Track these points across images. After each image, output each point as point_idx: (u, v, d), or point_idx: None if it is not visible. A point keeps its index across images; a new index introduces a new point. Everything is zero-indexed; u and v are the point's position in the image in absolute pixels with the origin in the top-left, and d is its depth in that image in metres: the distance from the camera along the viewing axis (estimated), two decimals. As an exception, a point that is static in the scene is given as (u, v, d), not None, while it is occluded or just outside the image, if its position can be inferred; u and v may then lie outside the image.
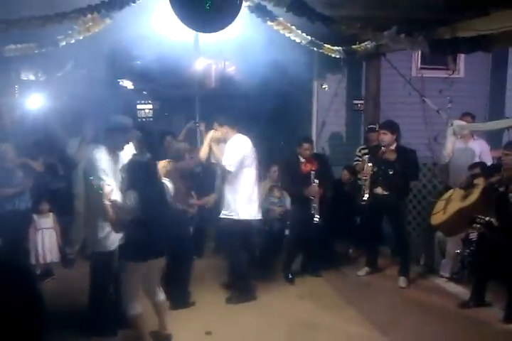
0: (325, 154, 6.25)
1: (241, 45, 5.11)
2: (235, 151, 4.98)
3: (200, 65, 8.14)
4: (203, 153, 5.10)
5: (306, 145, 5.60)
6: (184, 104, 7.16)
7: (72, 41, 3.85)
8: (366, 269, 5.94)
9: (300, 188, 5.51)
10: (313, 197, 5.46)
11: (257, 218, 5.10)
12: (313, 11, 3.74)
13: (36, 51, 3.99)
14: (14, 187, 5.40)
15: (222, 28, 3.55)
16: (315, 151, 6.03)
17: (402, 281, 5.56)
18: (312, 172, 5.50)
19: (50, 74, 6.56)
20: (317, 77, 7.28)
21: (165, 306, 4.18)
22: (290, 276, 5.73)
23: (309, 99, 7.31)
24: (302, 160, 5.61)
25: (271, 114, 7.38)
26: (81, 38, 3.84)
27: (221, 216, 5.03)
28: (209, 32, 3.72)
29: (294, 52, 5.52)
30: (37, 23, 3.27)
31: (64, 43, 3.85)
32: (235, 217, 4.94)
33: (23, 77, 6.82)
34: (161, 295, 4.10)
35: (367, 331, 4.46)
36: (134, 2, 3.44)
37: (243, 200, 4.97)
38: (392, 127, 5.50)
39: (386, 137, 5.46)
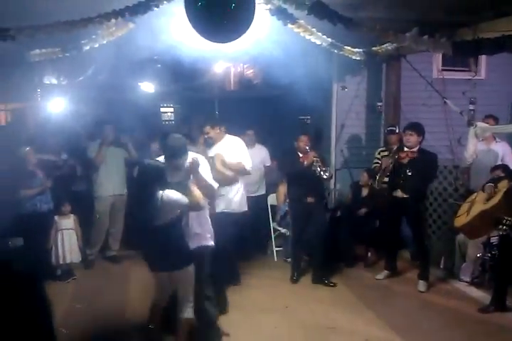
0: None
1: (261, 48, 5.13)
2: (247, 153, 5.14)
3: (219, 68, 8.19)
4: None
5: (302, 138, 5.65)
6: (204, 107, 7.23)
7: (96, 45, 3.91)
8: (385, 273, 5.89)
9: (299, 180, 5.59)
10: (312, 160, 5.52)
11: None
12: (334, 13, 3.73)
13: (61, 56, 4.06)
14: (35, 188, 5.51)
15: (236, 38, 3.57)
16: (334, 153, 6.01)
17: (421, 285, 5.50)
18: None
19: (72, 78, 6.66)
20: (337, 79, 7.26)
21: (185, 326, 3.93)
22: (295, 277, 5.74)
23: (329, 102, 7.30)
24: (300, 155, 5.66)
25: (290, 116, 7.40)
26: (105, 42, 3.89)
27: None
28: (223, 42, 3.73)
29: (314, 54, 5.53)
30: (63, 28, 3.32)
31: (88, 48, 3.92)
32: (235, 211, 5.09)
33: (46, 80, 6.94)
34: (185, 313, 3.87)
35: (386, 335, 4.42)
36: (158, 7, 3.48)
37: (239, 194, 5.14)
38: (418, 129, 5.48)
39: (412, 138, 5.43)
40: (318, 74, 6.38)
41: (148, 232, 3.63)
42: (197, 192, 3.74)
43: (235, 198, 5.10)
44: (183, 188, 3.72)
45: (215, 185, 4.10)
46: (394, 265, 5.94)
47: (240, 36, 3.54)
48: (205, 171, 3.99)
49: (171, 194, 3.63)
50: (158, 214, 3.56)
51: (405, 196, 5.47)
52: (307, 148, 5.61)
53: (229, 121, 6.07)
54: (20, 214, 5.44)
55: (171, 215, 3.64)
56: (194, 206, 3.76)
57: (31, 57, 4.15)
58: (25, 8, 3.91)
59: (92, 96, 6.96)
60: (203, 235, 4.04)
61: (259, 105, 7.40)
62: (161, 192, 3.59)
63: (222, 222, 4.56)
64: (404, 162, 5.41)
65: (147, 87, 7.52)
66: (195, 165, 3.81)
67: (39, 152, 5.62)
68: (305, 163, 5.56)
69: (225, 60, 7.44)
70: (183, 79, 6.78)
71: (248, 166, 5.07)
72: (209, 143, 5.09)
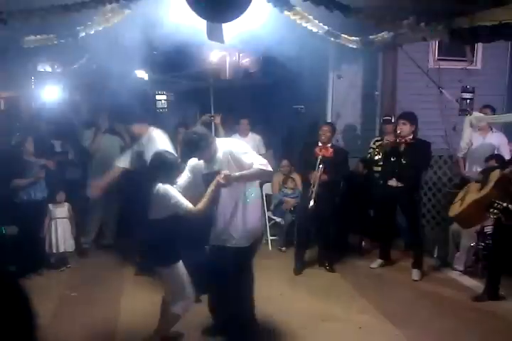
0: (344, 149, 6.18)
1: (256, 36, 5.08)
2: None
3: (214, 57, 8.14)
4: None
5: (324, 128, 5.64)
6: (199, 95, 7.18)
7: (92, 32, 3.87)
8: (379, 261, 5.92)
9: (307, 172, 5.55)
10: (312, 182, 5.44)
11: None
12: (331, 0, 3.70)
13: (56, 42, 4.01)
14: (29, 177, 5.48)
15: (234, 17, 3.52)
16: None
17: (415, 274, 5.54)
18: (319, 156, 5.47)
19: (67, 66, 6.59)
20: (333, 68, 7.22)
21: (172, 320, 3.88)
22: (297, 267, 5.74)
23: (324, 90, 7.27)
24: (320, 144, 5.62)
25: (285, 105, 7.37)
26: (100, 28, 3.85)
27: None
28: (221, 22, 3.68)
29: (310, 42, 5.50)
30: (57, 12, 3.28)
31: (83, 34, 3.87)
32: None
33: (40, 68, 6.86)
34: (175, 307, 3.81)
35: (380, 323, 4.45)
36: (153, -8, 3.44)
37: None
38: (411, 118, 5.48)
39: (405, 127, 5.43)
40: (314, 62, 6.35)
41: (141, 225, 3.58)
42: (205, 202, 3.52)
43: None
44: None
45: (262, 166, 3.66)
46: (388, 254, 5.96)
47: (237, 16, 3.48)
48: (247, 156, 3.69)
49: (170, 191, 3.50)
50: (153, 208, 3.49)
51: (400, 185, 5.49)
52: (326, 138, 5.54)
53: (224, 110, 6.07)
54: (14, 203, 5.43)
55: (167, 212, 3.53)
56: (191, 213, 3.52)
57: (25, 44, 4.10)
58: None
59: (87, 84, 6.89)
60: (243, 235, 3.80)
61: (254, 94, 7.36)
62: (160, 185, 3.50)
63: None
64: (398, 150, 5.43)
65: (142, 75, 7.46)
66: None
67: (34, 140, 5.57)
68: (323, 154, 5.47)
69: (220, 48, 7.39)
70: (178, 67, 6.74)
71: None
72: None
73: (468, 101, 5.84)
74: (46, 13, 3.27)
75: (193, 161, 3.90)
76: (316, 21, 4.51)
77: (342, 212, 5.87)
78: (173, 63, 6.28)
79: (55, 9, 3.27)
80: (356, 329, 4.33)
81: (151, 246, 3.67)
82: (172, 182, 3.61)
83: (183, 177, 3.86)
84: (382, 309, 4.72)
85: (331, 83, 7.21)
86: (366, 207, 6.38)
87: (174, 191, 3.54)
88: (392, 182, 5.53)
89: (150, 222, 3.57)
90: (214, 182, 3.50)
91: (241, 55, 8.65)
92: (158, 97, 6.42)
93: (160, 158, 3.66)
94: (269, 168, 3.73)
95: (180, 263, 3.70)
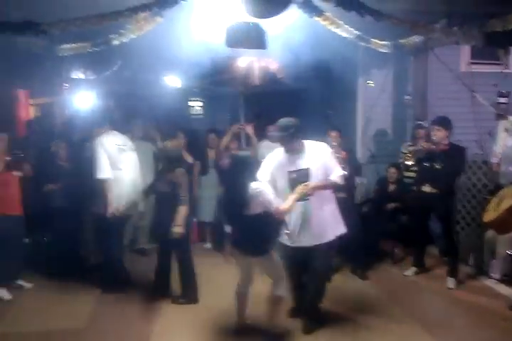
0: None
1: (285, 41, 5.09)
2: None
3: (243, 63, 8.15)
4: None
5: (330, 134, 5.61)
6: (229, 102, 7.24)
7: (125, 40, 3.94)
8: (413, 269, 5.82)
9: None
10: None
11: None
12: (362, 5, 3.68)
13: (90, 50, 4.10)
14: (62, 182, 5.57)
15: (275, 14, 3.53)
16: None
17: (450, 282, 5.42)
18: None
19: (99, 73, 6.72)
20: (362, 73, 7.17)
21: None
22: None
23: (354, 95, 7.22)
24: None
25: (315, 110, 7.34)
26: (133, 36, 3.91)
27: None
28: (262, 17, 3.73)
29: (339, 47, 5.48)
30: (93, 22, 3.35)
31: (117, 42, 3.94)
32: None
33: (73, 75, 7.01)
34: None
35: (414, 332, 4.36)
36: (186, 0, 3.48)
37: None
38: (445, 123, 5.38)
39: (439, 133, 5.34)
40: (344, 67, 6.32)
41: (237, 220, 3.92)
42: (290, 204, 3.85)
43: None
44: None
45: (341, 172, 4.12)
46: (422, 261, 5.87)
47: (278, 13, 3.49)
48: (328, 162, 4.07)
49: (261, 190, 3.81)
50: (248, 204, 3.78)
51: (434, 191, 5.39)
52: (335, 144, 5.44)
53: (254, 116, 6.07)
54: (48, 209, 5.52)
55: (259, 209, 3.82)
56: (278, 212, 3.85)
57: (60, 52, 4.20)
58: (54, 2, 3.96)
59: (119, 91, 7.01)
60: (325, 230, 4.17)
61: (283, 100, 7.36)
62: (253, 183, 3.81)
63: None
64: (433, 156, 5.34)
65: (174, 82, 7.54)
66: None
67: (67, 146, 5.69)
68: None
69: (249, 54, 7.41)
70: (208, 73, 6.80)
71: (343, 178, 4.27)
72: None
73: (504, 105, 5.70)
74: (83, 22, 3.34)
75: (271, 159, 4.17)
76: (347, 26, 4.50)
77: (374, 218, 5.80)
78: (203, 70, 6.34)
79: (91, 19, 3.34)
80: (391, 337, 4.26)
81: (251, 239, 3.96)
82: (254, 179, 3.91)
83: (267, 174, 4.11)
84: (416, 317, 4.63)
85: (361, 88, 7.16)
86: (399, 213, 6.27)
87: (265, 189, 3.87)
88: (426, 188, 5.44)
89: (247, 217, 3.85)
90: (298, 191, 3.87)
91: (270, 60, 8.62)
92: (191, 103, 6.49)
93: (246, 159, 4.03)
94: (343, 181, 4.13)
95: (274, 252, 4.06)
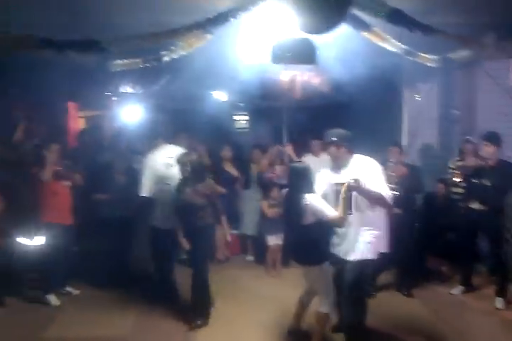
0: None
1: (330, 55, 5.10)
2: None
3: (285, 76, 8.20)
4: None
5: (392, 149, 5.56)
6: (272, 116, 7.30)
7: (176, 56, 4.04)
8: (460, 288, 5.66)
9: None
10: None
11: None
12: (412, 21, 3.67)
13: (141, 66, 4.23)
14: (112, 193, 5.67)
15: (331, 29, 3.54)
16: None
17: (499, 302, 5.25)
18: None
19: (147, 87, 6.89)
20: (407, 86, 7.10)
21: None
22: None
23: (399, 109, 7.15)
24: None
25: (358, 124, 7.28)
26: (184, 53, 4.01)
27: None
28: (317, 34, 3.76)
29: (384, 61, 5.44)
30: (150, 40, 3.47)
31: (168, 59, 4.05)
32: None
33: (122, 89, 7.22)
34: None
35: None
36: (235, 17, 3.56)
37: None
38: (495, 139, 5.26)
39: (488, 149, 5.22)
40: (389, 80, 6.28)
41: (292, 230, 4.09)
42: (342, 209, 3.84)
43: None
44: None
45: (388, 192, 3.95)
46: (469, 280, 5.70)
47: (332, 28, 3.52)
48: (374, 178, 3.93)
49: (314, 200, 3.89)
50: (303, 214, 3.89)
51: (483, 208, 5.27)
52: (392, 161, 5.35)
53: (296, 130, 6.08)
54: (97, 218, 5.66)
55: (314, 218, 3.92)
56: (333, 220, 3.87)
57: (113, 67, 4.35)
58: (111, 20, 4.13)
59: (166, 105, 7.16)
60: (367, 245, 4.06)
61: (327, 113, 7.35)
62: (307, 195, 3.91)
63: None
64: (482, 172, 5.22)
65: (220, 96, 7.65)
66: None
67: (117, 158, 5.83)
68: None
69: (292, 68, 7.46)
70: (253, 88, 6.88)
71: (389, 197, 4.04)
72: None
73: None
74: (140, 40, 3.46)
75: (323, 171, 4.23)
76: (394, 41, 4.48)
77: (420, 234, 5.69)
78: (249, 84, 6.43)
79: (148, 37, 3.46)
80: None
81: (302, 248, 4.10)
82: (312, 192, 3.99)
83: (319, 187, 4.13)
84: (464, 338, 4.52)
85: (406, 101, 7.08)
86: (446, 230, 6.13)
87: (318, 200, 3.94)
88: (475, 205, 5.32)
89: (301, 227, 3.97)
90: (345, 186, 3.81)
91: (312, 74, 8.64)
92: (236, 118, 6.57)
93: (304, 171, 4.08)
94: (390, 202, 3.96)
95: (327, 265, 4.10)
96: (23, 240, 5.28)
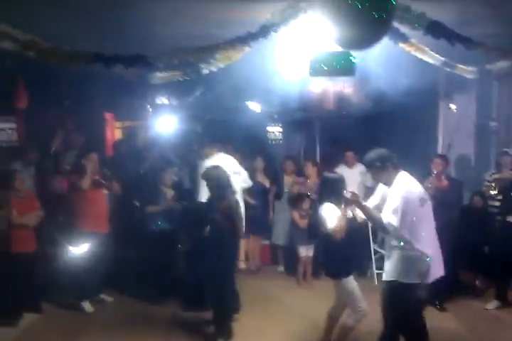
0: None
1: (363, 65, 5.10)
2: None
3: (318, 87, 8.23)
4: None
5: (436, 160, 5.51)
6: (305, 126, 7.32)
7: (214, 69, 4.12)
8: (495, 302, 5.56)
9: None
10: None
11: None
12: (452, 33, 3.65)
13: (181, 79, 4.32)
14: (161, 206, 5.66)
15: (370, 46, 3.52)
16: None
17: (535, 318, 5.13)
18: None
19: (182, 98, 7.00)
20: (443, 97, 7.03)
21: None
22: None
23: (435, 120, 7.08)
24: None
25: (394, 136, 7.25)
26: (221, 65, 4.08)
27: None
28: (358, 49, 3.78)
29: (419, 71, 5.41)
30: (194, 55, 3.55)
31: (207, 71, 4.13)
32: None
33: (157, 101, 7.36)
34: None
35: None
36: (276, 31, 3.61)
37: None
38: None
39: None
40: (425, 92, 6.23)
41: (321, 241, 4.21)
42: (337, 222, 3.90)
43: None
44: None
45: (389, 219, 3.64)
46: (505, 294, 5.60)
47: (373, 44, 3.51)
48: (390, 204, 3.67)
49: (326, 210, 3.98)
50: (320, 223, 4.01)
51: (520, 221, 5.18)
52: (435, 172, 5.33)
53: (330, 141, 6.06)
54: (144, 231, 5.66)
55: (324, 229, 3.98)
56: (331, 232, 3.93)
57: (153, 80, 4.45)
58: (147, 32, 4.24)
59: (201, 116, 7.26)
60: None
61: (360, 124, 7.33)
62: (325, 204, 4.00)
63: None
64: None
65: (254, 107, 7.73)
66: (352, 199, 3.82)
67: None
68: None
69: (325, 78, 7.48)
70: (287, 99, 6.92)
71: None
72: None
73: None
74: (184, 55, 3.54)
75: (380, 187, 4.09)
76: (432, 52, 4.46)
77: (454, 247, 5.57)
78: (283, 95, 6.47)
79: (191, 52, 3.54)
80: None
81: (329, 260, 4.21)
82: (338, 202, 4.02)
83: (375, 201, 4.05)
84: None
85: (442, 112, 7.01)
86: (481, 243, 6.01)
87: (328, 210, 4.01)
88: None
89: (324, 237, 4.08)
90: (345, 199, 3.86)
91: (345, 84, 8.64)
92: (270, 129, 6.62)
93: (335, 182, 4.14)
94: (390, 229, 3.67)
95: (351, 278, 4.12)
96: (68, 248, 5.35)
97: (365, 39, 3.33)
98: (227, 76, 5.62)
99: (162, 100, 7.36)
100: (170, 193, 5.76)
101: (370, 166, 3.93)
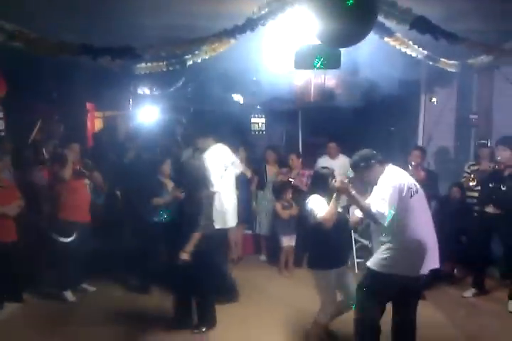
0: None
1: (344, 58, 5.14)
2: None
3: (300, 79, 8.25)
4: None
5: (415, 152, 5.62)
6: (288, 118, 7.34)
7: (198, 60, 4.10)
8: (472, 290, 5.69)
9: None
10: None
11: None
12: (437, 28, 3.70)
13: (164, 69, 4.29)
14: (165, 198, 5.52)
15: (355, 42, 3.55)
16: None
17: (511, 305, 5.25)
18: None
19: (164, 88, 6.94)
20: (425, 90, 7.12)
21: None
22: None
23: (416, 113, 7.18)
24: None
25: (375, 127, 7.34)
26: (206, 57, 4.07)
27: None
28: (342, 47, 3.80)
29: (401, 64, 5.48)
30: (182, 47, 3.53)
31: (191, 62, 4.11)
32: None
33: (139, 91, 7.29)
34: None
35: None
36: (264, 24, 3.61)
37: None
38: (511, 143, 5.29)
39: (505, 153, 5.26)
40: (406, 85, 6.30)
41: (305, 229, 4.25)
42: (327, 210, 3.92)
43: None
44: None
45: (377, 208, 3.60)
46: (482, 283, 5.73)
47: (358, 41, 3.53)
48: (376, 193, 3.67)
49: (314, 201, 4.03)
50: (307, 214, 4.05)
51: (498, 212, 5.31)
52: (414, 163, 5.41)
53: (312, 132, 6.11)
54: (152, 222, 5.57)
55: (312, 220, 4.01)
56: (320, 220, 3.94)
57: (137, 71, 4.42)
58: (133, 22, 4.20)
59: (183, 106, 7.22)
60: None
61: (342, 116, 7.39)
62: (312, 196, 4.06)
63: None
64: (498, 176, 5.25)
65: (237, 98, 7.71)
66: (342, 187, 3.76)
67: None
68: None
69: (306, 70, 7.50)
70: (269, 90, 6.93)
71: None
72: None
73: None
74: (172, 47, 3.52)
75: None
76: (416, 46, 4.52)
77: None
78: (265, 87, 6.46)
79: (180, 44, 3.52)
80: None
81: (308, 250, 4.38)
82: (328, 196, 4.04)
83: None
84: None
85: (423, 105, 7.11)
86: (459, 233, 6.16)
87: (316, 201, 4.04)
88: (490, 209, 5.37)
89: (311, 227, 4.12)
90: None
91: (327, 77, 8.67)
92: (253, 120, 6.62)
93: (326, 175, 4.20)
94: (379, 217, 3.62)
95: (331, 273, 4.10)
96: (49, 237, 5.31)
97: (350, 35, 3.35)
98: (211, 67, 5.60)
99: (145, 90, 7.28)
100: (170, 184, 5.71)
101: (355, 168, 3.85)
